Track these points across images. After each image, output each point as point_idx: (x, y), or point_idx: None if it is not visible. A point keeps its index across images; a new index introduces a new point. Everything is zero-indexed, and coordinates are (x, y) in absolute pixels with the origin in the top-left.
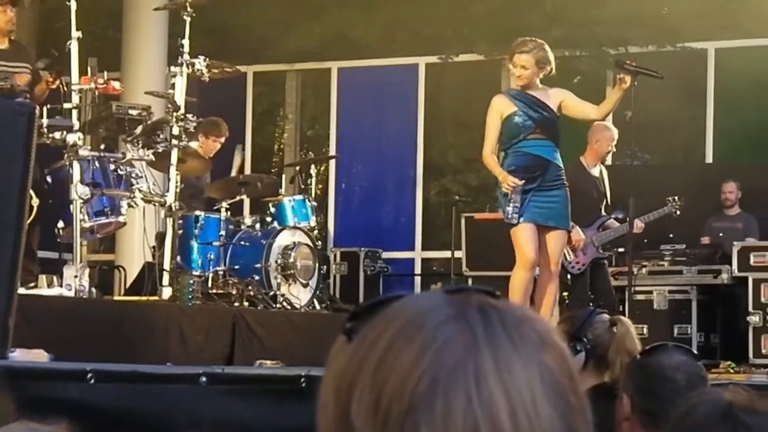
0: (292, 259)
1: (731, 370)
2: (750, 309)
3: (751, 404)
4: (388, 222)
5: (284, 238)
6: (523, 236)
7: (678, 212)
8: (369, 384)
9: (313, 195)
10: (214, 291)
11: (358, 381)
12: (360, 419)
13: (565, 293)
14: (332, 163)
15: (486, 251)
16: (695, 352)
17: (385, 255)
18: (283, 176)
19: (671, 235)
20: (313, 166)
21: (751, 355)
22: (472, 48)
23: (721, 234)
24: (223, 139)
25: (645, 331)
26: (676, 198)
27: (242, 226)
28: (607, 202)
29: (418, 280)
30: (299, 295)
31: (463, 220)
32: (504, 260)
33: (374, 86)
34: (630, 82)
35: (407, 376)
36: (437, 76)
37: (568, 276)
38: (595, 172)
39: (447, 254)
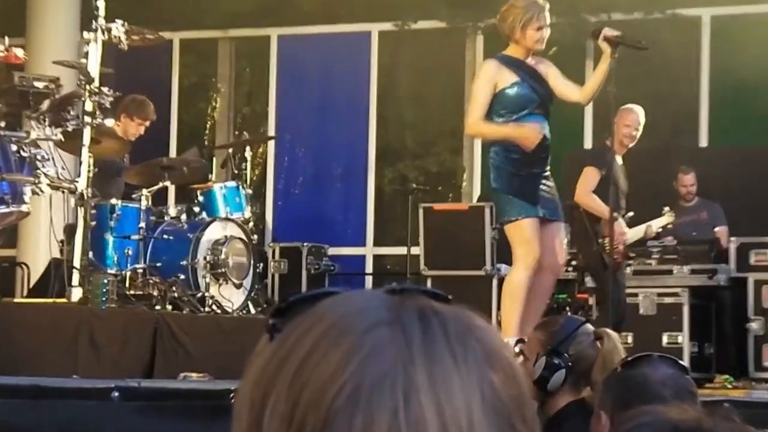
0: (223, 256)
1: (728, 385)
2: (750, 315)
3: (699, 426)
4: (336, 213)
5: (214, 232)
6: (531, 230)
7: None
8: (285, 390)
9: (248, 181)
10: (132, 292)
11: (275, 386)
12: (272, 430)
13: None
14: (271, 144)
15: (448, 247)
16: (686, 364)
17: (332, 251)
18: (214, 160)
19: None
20: (248, 148)
21: (751, 367)
22: (432, 14)
23: (694, 233)
24: (148, 123)
25: (630, 339)
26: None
27: (165, 218)
28: (626, 197)
29: (369, 280)
30: (231, 297)
31: (421, 212)
32: (468, 257)
33: (320, 57)
34: (610, 54)
35: (327, 384)
36: (393, 45)
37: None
38: (619, 160)
39: (403, 251)
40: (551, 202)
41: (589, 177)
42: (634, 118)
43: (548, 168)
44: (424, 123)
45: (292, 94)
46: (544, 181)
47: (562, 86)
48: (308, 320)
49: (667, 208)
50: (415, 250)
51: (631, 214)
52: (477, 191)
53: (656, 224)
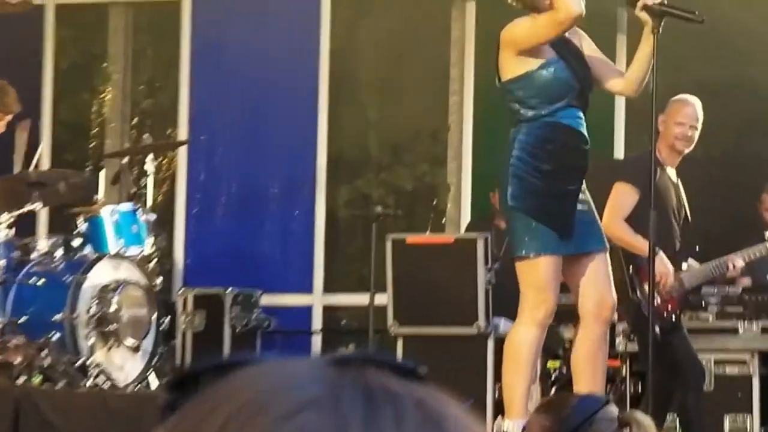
0: (113, 308)
1: None
2: None
3: None
4: (272, 247)
5: (102, 274)
6: (550, 273)
7: None
8: None
9: (150, 203)
10: None
11: None
12: None
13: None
14: (182, 152)
15: (426, 295)
16: None
17: (266, 300)
18: (103, 173)
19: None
20: (151, 157)
21: None
22: None
23: None
24: (10, 116)
25: (677, 424)
26: None
27: (34, 254)
28: (687, 219)
29: (317, 339)
30: (125, 365)
31: (389, 245)
32: (454, 309)
33: (250, 30)
34: (652, 29)
35: None
36: (351, 13)
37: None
38: (671, 173)
39: (364, 299)
40: (591, 225)
41: (622, 197)
42: (690, 112)
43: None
44: (393, 122)
45: (211, 81)
46: (580, 204)
47: (601, 69)
48: (215, 397)
49: None
50: (381, 299)
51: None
52: (466, 217)
53: (745, 254)
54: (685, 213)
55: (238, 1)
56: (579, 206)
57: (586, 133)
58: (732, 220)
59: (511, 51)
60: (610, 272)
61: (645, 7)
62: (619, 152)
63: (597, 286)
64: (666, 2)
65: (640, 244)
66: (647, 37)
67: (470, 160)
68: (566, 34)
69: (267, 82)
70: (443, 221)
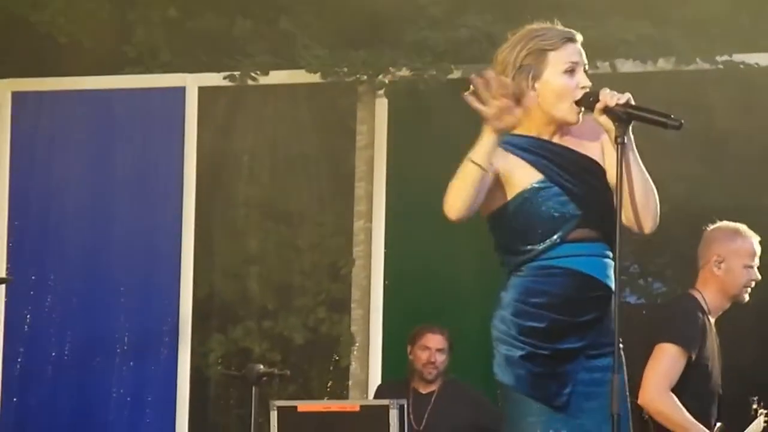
0: None
1: None
2: None
3: None
4: (119, 416)
5: None
6: None
7: None
8: None
9: None
10: None
11: None
12: None
13: None
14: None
15: None
16: None
17: None
18: None
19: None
20: None
21: None
22: (293, 58)
23: None
24: None
25: None
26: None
27: None
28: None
29: None
30: None
31: (274, 414)
32: None
33: (93, 128)
34: (615, 138)
35: None
36: (225, 109)
37: None
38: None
39: None
40: (603, 407)
41: (669, 362)
42: (749, 248)
43: (603, 337)
44: (281, 254)
45: (36, 194)
46: (596, 362)
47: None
48: None
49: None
50: None
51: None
52: (375, 378)
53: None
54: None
55: (71, 94)
56: (606, 369)
57: (595, 273)
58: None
59: None
60: None
61: (605, 110)
62: None
63: None
64: (633, 103)
65: (687, 421)
66: (614, 146)
67: (381, 303)
68: (560, 139)
69: (111, 196)
70: (346, 383)
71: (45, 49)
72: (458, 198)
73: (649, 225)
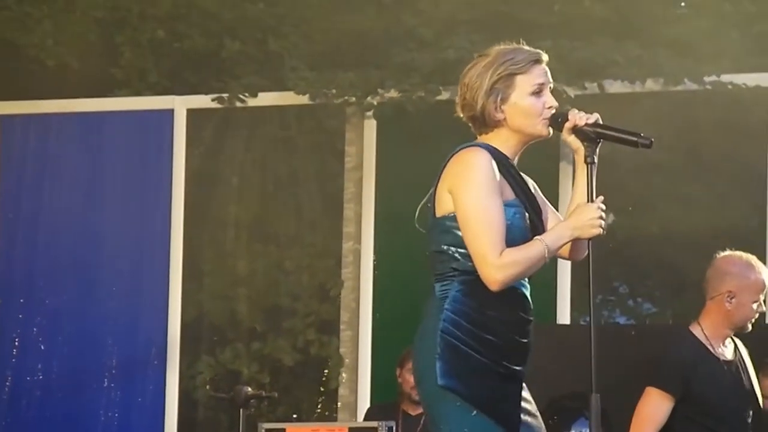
0: None
1: None
2: None
3: None
4: None
5: None
6: None
7: None
8: None
9: None
10: None
11: None
12: None
13: None
14: None
15: None
16: None
17: None
18: None
19: None
20: None
21: None
22: (281, 80)
23: None
24: None
25: None
26: None
27: None
28: (758, 403)
29: None
30: None
31: None
32: None
33: (79, 152)
34: (585, 158)
35: None
36: (212, 132)
37: None
38: (725, 351)
39: None
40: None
41: (651, 406)
42: (761, 284)
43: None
44: (270, 275)
45: (24, 216)
46: (523, 392)
47: (551, 223)
48: None
49: None
50: None
51: None
52: (364, 401)
53: None
54: (755, 391)
55: (56, 117)
56: (528, 407)
57: (530, 302)
58: None
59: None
60: None
61: (574, 130)
62: (564, 317)
63: None
64: (601, 122)
65: None
66: (581, 169)
67: (370, 325)
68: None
69: (99, 223)
70: (335, 406)
71: (33, 72)
72: (516, 275)
73: (585, 253)
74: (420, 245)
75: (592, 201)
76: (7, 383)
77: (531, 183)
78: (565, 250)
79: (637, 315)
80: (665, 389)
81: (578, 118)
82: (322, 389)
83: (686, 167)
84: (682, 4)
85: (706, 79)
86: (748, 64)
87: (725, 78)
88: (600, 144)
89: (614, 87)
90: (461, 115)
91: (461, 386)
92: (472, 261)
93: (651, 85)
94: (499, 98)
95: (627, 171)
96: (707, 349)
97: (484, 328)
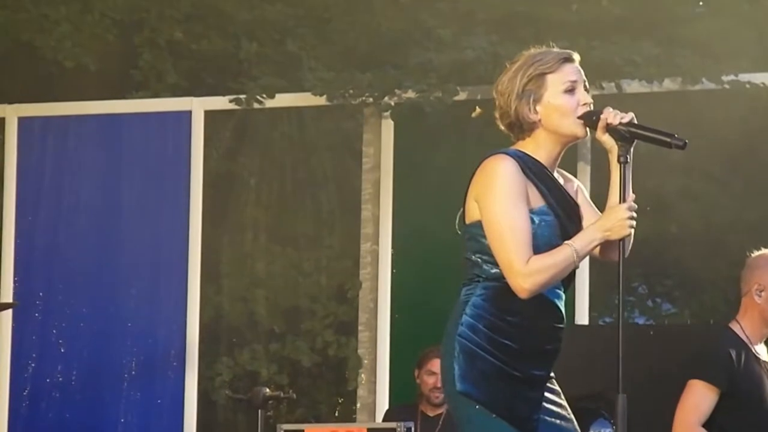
0: None
1: None
2: None
3: None
4: None
5: None
6: None
7: None
8: None
9: None
10: None
11: None
12: None
13: None
14: (6, 316)
15: None
16: None
17: None
18: None
19: None
20: None
21: None
22: (299, 82)
23: None
24: None
25: None
26: None
27: None
28: None
29: None
30: None
31: None
32: None
33: (98, 153)
34: (618, 157)
35: None
36: (232, 133)
37: None
38: (760, 352)
39: None
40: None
41: (696, 398)
42: None
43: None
44: (287, 277)
45: (42, 218)
46: (550, 395)
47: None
48: None
49: None
50: None
51: None
52: (383, 402)
53: None
54: None
55: (77, 119)
56: (556, 408)
57: (563, 311)
58: None
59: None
60: None
61: (608, 128)
62: (582, 317)
63: None
64: (636, 121)
65: None
66: (615, 169)
67: (388, 326)
68: (562, 180)
69: (117, 220)
70: (354, 407)
71: (51, 73)
72: (544, 281)
73: (627, 251)
74: (438, 246)
75: (625, 200)
76: (27, 386)
77: (576, 184)
78: (598, 250)
79: (656, 315)
80: (711, 382)
81: (612, 116)
82: (340, 390)
83: (704, 167)
84: (700, 3)
85: (724, 78)
86: (766, 63)
87: (743, 77)
88: (634, 144)
89: (632, 87)
90: (501, 126)
91: (476, 390)
92: (495, 268)
93: (669, 84)
94: (531, 99)
95: (645, 171)
96: (748, 347)
97: (501, 333)
